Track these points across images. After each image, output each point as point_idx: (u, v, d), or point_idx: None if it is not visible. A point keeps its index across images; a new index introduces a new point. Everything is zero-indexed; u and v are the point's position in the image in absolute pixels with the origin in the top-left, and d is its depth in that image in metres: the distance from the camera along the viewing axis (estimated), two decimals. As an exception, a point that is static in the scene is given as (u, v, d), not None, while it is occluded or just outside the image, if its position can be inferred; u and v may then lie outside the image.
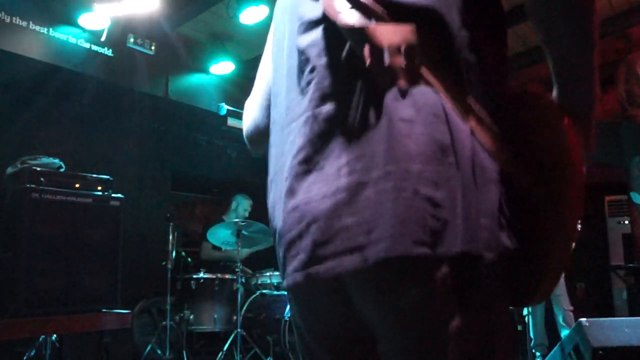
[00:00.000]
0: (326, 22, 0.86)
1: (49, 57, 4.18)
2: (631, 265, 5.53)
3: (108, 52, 4.51)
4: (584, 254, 4.54)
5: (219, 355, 4.07)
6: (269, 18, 4.27)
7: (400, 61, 0.74)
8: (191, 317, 4.21)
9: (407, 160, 0.75)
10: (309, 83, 0.87)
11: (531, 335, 4.04)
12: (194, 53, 5.09)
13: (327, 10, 0.83)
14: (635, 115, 4.73)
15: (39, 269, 2.56)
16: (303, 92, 0.88)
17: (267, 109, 1.06)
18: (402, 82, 0.76)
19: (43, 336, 3.08)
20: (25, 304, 2.49)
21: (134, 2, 4.14)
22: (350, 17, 0.80)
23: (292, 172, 0.86)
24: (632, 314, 5.55)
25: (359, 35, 0.77)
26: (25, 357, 3.14)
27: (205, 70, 5.16)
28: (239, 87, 5.51)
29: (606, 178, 6.24)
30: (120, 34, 4.49)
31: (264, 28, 4.60)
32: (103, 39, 4.37)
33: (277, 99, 0.97)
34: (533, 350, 4.11)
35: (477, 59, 0.81)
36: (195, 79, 5.23)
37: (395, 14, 0.79)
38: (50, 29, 4.18)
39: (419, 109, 0.77)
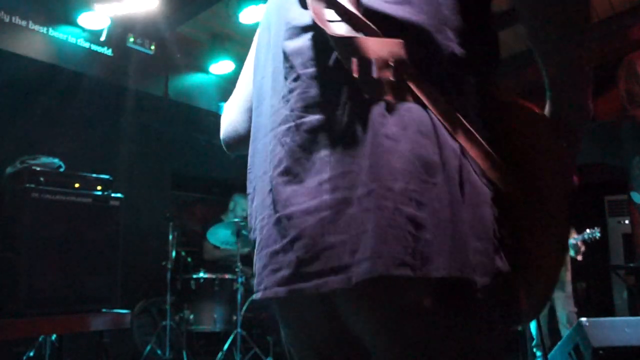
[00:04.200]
0: (314, 30, 0.83)
1: (48, 57, 4.17)
2: (631, 265, 5.54)
3: (108, 51, 4.50)
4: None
5: (219, 355, 4.06)
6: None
7: (388, 75, 0.74)
8: (191, 317, 4.20)
9: (390, 179, 0.72)
10: (291, 91, 0.84)
11: (532, 334, 4.04)
12: (194, 53, 5.08)
13: (316, 18, 0.81)
14: (635, 115, 4.73)
15: (38, 269, 2.55)
16: (285, 100, 0.85)
17: (248, 112, 1.02)
18: (389, 97, 0.75)
19: (43, 336, 3.08)
20: (24, 304, 2.48)
21: (133, 1, 4.14)
22: (339, 27, 0.79)
23: (273, 182, 0.84)
24: (632, 314, 5.56)
25: (348, 46, 0.77)
26: (25, 357, 3.14)
27: (205, 70, 5.16)
28: (239, 87, 5.50)
29: (606, 178, 6.25)
30: (120, 33, 4.49)
31: (263, 28, 4.60)
32: (103, 38, 4.37)
33: (261, 103, 0.94)
34: (534, 350, 4.11)
35: (467, 75, 0.80)
36: (195, 79, 5.22)
37: (385, 28, 0.78)
38: (50, 29, 4.18)
39: (405, 126, 0.74)
